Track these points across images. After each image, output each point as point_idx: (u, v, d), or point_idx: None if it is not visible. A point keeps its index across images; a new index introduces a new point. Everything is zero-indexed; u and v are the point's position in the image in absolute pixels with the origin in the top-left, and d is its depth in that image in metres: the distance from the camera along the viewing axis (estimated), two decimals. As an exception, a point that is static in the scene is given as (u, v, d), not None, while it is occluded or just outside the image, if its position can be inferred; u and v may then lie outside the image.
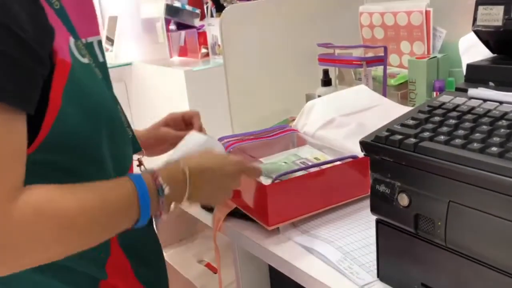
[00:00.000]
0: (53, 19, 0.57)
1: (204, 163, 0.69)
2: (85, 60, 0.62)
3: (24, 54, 0.51)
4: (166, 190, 0.62)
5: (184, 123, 0.94)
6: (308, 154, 1.01)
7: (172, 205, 0.66)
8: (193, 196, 0.67)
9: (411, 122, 0.62)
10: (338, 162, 0.89)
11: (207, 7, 2.20)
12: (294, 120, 1.17)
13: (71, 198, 0.55)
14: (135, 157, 0.77)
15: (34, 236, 0.51)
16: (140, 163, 0.80)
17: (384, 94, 1.28)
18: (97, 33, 0.69)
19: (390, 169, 0.60)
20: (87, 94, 0.60)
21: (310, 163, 0.93)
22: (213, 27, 2.01)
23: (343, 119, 1.05)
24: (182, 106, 1.83)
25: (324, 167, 0.88)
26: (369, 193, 0.64)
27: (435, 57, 1.25)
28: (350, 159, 0.90)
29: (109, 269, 0.68)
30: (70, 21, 0.62)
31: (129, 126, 0.73)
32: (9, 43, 0.50)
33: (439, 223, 0.55)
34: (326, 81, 1.31)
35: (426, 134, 0.59)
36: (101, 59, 0.68)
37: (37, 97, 0.54)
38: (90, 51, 0.65)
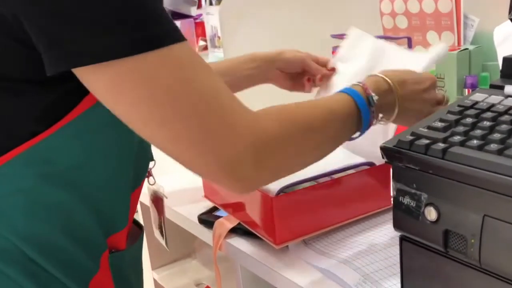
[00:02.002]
0: None
1: (401, 75, 0.78)
2: None
3: None
4: (375, 99, 0.72)
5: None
6: None
7: (381, 119, 0.75)
8: (400, 110, 0.76)
9: (439, 124, 0.62)
10: (353, 171, 0.89)
11: (205, -6, 2.21)
12: None
13: (304, 108, 0.67)
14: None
15: (285, 139, 0.63)
16: (149, 174, 0.90)
17: (408, 92, 1.28)
18: None
19: (415, 179, 0.60)
20: None
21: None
22: (212, 16, 2.02)
23: None
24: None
25: (336, 176, 0.88)
26: (391, 206, 0.64)
27: (467, 49, 1.24)
28: (367, 167, 0.90)
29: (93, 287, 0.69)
30: None
31: None
32: None
33: (473, 241, 0.55)
34: (342, 78, 1.31)
35: (457, 138, 0.58)
36: None
37: None
38: None
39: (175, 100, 0.54)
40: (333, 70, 1.00)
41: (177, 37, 0.56)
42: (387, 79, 0.75)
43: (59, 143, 0.62)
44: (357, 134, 0.73)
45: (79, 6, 0.51)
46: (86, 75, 0.55)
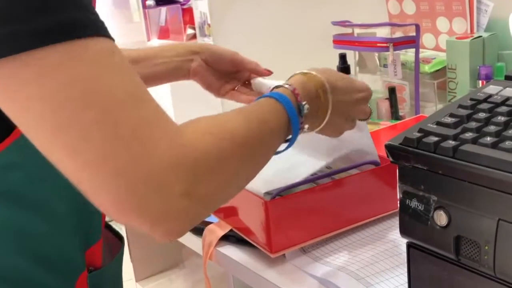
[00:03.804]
0: None
1: (333, 81, 0.75)
2: None
3: None
4: (306, 108, 0.69)
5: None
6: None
7: (306, 128, 0.72)
8: (327, 120, 0.74)
9: (449, 120, 0.62)
10: (356, 171, 0.89)
11: (193, -23, 2.20)
12: None
13: (233, 119, 0.62)
14: None
15: (213, 158, 0.55)
16: None
17: (417, 84, 1.28)
18: None
19: (423, 180, 0.60)
20: None
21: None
22: (201, 2, 2.02)
23: None
24: (163, 100, 1.83)
25: (337, 177, 0.88)
26: (397, 210, 0.64)
27: (480, 37, 1.25)
28: (371, 167, 0.90)
29: None
30: None
31: None
32: None
33: (486, 247, 0.55)
34: (344, 69, 1.31)
35: (469, 135, 0.58)
36: None
37: None
38: None
39: (74, 102, 0.48)
40: (269, 72, 0.93)
41: (87, 29, 0.50)
42: (323, 80, 0.73)
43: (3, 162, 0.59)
44: (284, 146, 0.70)
45: None
46: None
